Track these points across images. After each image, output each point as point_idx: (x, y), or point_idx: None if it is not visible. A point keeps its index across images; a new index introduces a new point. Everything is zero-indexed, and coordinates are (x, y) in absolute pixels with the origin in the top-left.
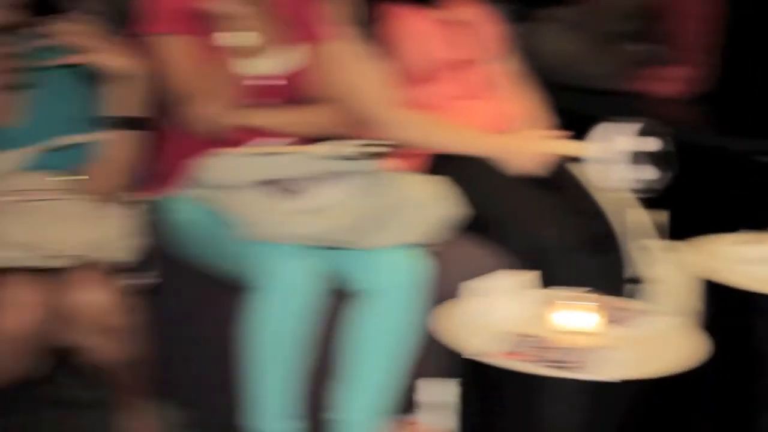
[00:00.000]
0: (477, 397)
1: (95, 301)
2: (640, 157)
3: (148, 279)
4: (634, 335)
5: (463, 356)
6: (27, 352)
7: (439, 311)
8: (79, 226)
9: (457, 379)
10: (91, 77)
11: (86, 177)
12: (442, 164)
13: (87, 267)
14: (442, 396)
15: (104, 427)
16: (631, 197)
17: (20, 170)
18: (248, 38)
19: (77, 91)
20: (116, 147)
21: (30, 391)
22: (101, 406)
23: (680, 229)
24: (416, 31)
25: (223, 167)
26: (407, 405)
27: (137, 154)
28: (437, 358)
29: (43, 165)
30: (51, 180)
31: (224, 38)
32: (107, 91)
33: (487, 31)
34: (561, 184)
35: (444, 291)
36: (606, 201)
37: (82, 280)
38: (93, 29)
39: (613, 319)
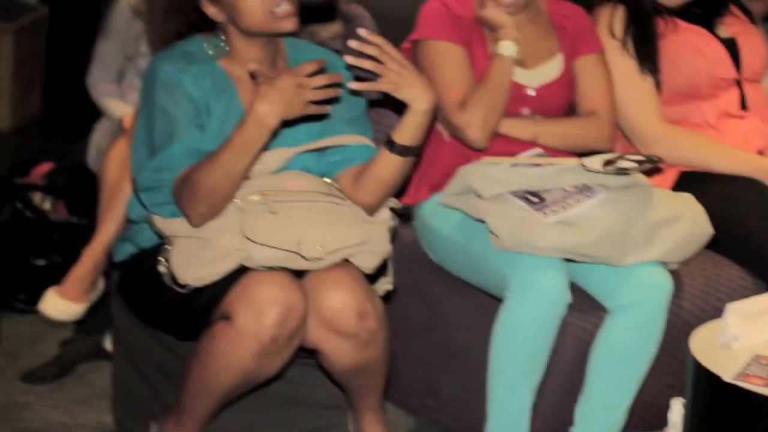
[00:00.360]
0: (730, 423)
1: (349, 304)
2: None
3: (392, 284)
4: None
5: (721, 379)
6: (284, 353)
7: (698, 331)
8: (337, 229)
9: (709, 401)
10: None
11: (350, 184)
12: (691, 181)
13: (342, 269)
14: None
15: (339, 428)
16: None
17: (285, 169)
18: (514, 48)
19: (353, 95)
20: (390, 170)
21: (264, 389)
22: (337, 407)
23: None
24: (685, 47)
25: (483, 176)
26: (661, 423)
27: (403, 179)
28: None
29: (306, 166)
30: (314, 181)
31: (492, 47)
32: (400, 118)
33: (753, 49)
34: None
35: (690, 309)
36: None
37: (337, 282)
38: (395, 53)
39: None
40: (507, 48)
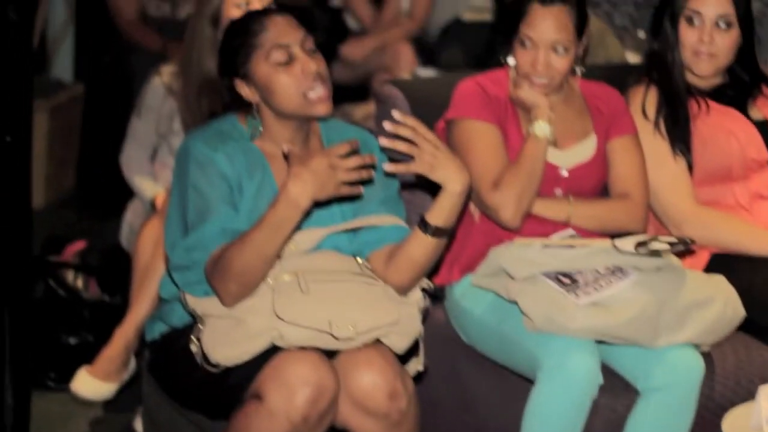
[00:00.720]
0: None
1: (380, 384)
2: None
3: (423, 365)
4: None
5: None
6: None
7: (730, 413)
8: (369, 309)
9: None
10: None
11: (382, 265)
12: (723, 262)
13: (373, 349)
14: None
15: None
16: None
17: (317, 249)
18: (548, 129)
19: (386, 175)
20: (423, 251)
21: None
22: None
23: None
24: (718, 129)
25: (515, 257)
26: None
27: (435, 260)
28: None
29: (337, 245)
30: (345, 261)
31: (526, 128)
32: (434, 199)
33: None
34: None
35: (722, 391)
36: None
37: (368, 362)
38: (428, 135)
39: None
40: (541, 129)
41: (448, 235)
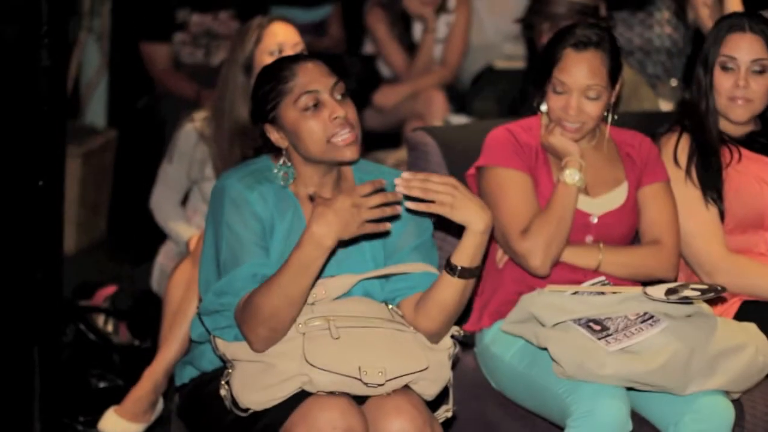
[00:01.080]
0: None
1: (409, 430)
2: None
3: (453, 411)
4: None
5: None
6: None
7: None
8: (399, 356)
9: None
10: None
11: (412, 311)
12: (754, 310)
13: (402, 395)
14: None
15: None
16: None
17: (348, 294)
18: (579, 176)
19: (416, 220)
20: (452, 293)
21: None
22: None
23: None
24: (750, 177)
25: (545, 304)
26: None
27: (465, 302)
28: None
29: (369, 292)
30: (376, 307)
31: (557, 175)
32: (460, 241)
33: None
34: None
35: None
36: None
37: (397, 408)
38: (444, 178)
39: None
40: (572, 176)
41: (476, 275)
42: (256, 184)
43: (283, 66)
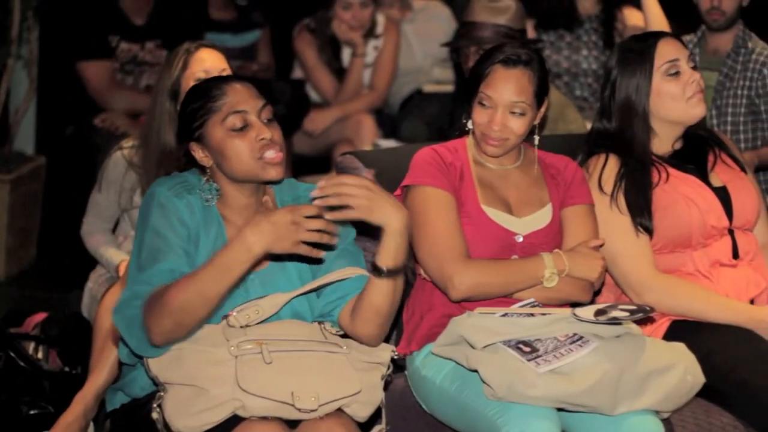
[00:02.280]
0: None
1: None
2: None
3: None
4: None
5: None
6: None
7: None
8: (331, 380)
9: None
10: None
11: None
12: (682, 330)
13: (334, 419)
14: None
15: None
16: None
17: (279, 316)
18: (555, 282)
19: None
20: (383, 296)
21: None
22: None
23: None
24: (678, 197)
25: (475, 326)
26: None
27: (398, 301)
28: None
29: (298, 312)
30: (308, 329)
31: (483, 197)
32: (380, 243)
33: (744, 198)
34: None
35: None
36: None
37: (328, 430)
38: (358, 180)
39: None
40: (552, 281)
41: (403, 272)
42: (186, 193)
43: (213, 85)
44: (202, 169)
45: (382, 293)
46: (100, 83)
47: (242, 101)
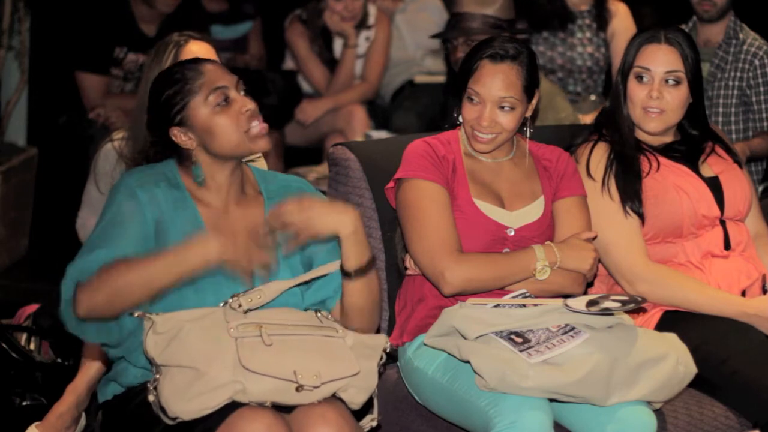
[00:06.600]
0: None
1: None
2: None
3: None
4: None
5: None
6: None
7: None
8: (331, 361)
9: None
10: None
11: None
12: (674, 320)
13: (329, 405)
14: None
15: None
16: None
17: (272, 305)
18: (547, 273)
19: None
20: (360, 295)
21: None
22: None
23: None
24: (668, 186)
25: (467, 317)
26: None
27: (379, 294)
28: None
29: (292, 304)
30: (304, 316)
31: (475, 190)
32: (340, 248)
33: (736, 189)
34: None
35: None
36: None
37: (323, 417)
38: (290, 204)
39: None
40: (544, 273)
41: (373, 266)
42: (153, 185)
43: (185, 67)
44: (179, 156)
45: (359, 292)
46: (96, 94)
47: (219, 78)
